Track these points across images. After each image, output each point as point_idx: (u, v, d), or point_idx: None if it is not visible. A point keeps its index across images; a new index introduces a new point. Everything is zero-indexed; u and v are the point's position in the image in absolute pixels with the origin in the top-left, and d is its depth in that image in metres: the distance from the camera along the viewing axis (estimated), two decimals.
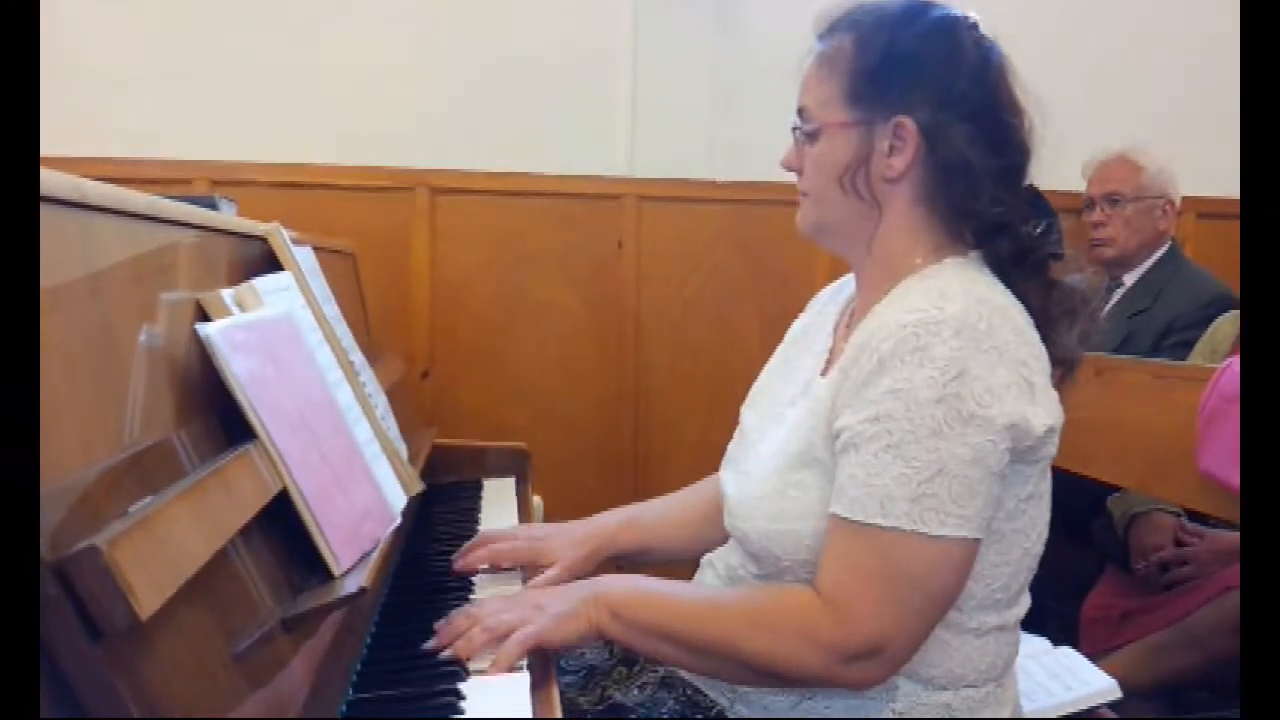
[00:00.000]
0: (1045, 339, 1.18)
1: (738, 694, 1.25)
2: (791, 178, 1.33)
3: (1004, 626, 1.22)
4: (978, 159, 1.18)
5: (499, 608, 1.20)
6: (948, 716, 1.19)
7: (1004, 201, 1.20)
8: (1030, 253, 1.21)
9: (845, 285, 1.40)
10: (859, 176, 1.21)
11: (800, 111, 1.27)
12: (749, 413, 1.41)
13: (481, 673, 1.12)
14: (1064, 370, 1.21)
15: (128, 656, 0.68)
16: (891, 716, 1.18)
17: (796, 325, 1.45)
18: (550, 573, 1.43)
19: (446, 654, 1.14)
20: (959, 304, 1.10)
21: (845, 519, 1.10)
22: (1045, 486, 1.22)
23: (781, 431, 1.27)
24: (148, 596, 0.67)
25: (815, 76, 1.26)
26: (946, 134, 1.18)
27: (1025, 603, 1.26)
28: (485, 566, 1.47)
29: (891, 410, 1.08)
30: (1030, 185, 1.24)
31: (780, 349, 1.45)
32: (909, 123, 1.19)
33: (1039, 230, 1.22)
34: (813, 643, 1.10)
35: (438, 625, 1.20)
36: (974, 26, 1.24)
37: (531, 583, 1.41)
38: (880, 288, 1.21)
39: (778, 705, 1.21)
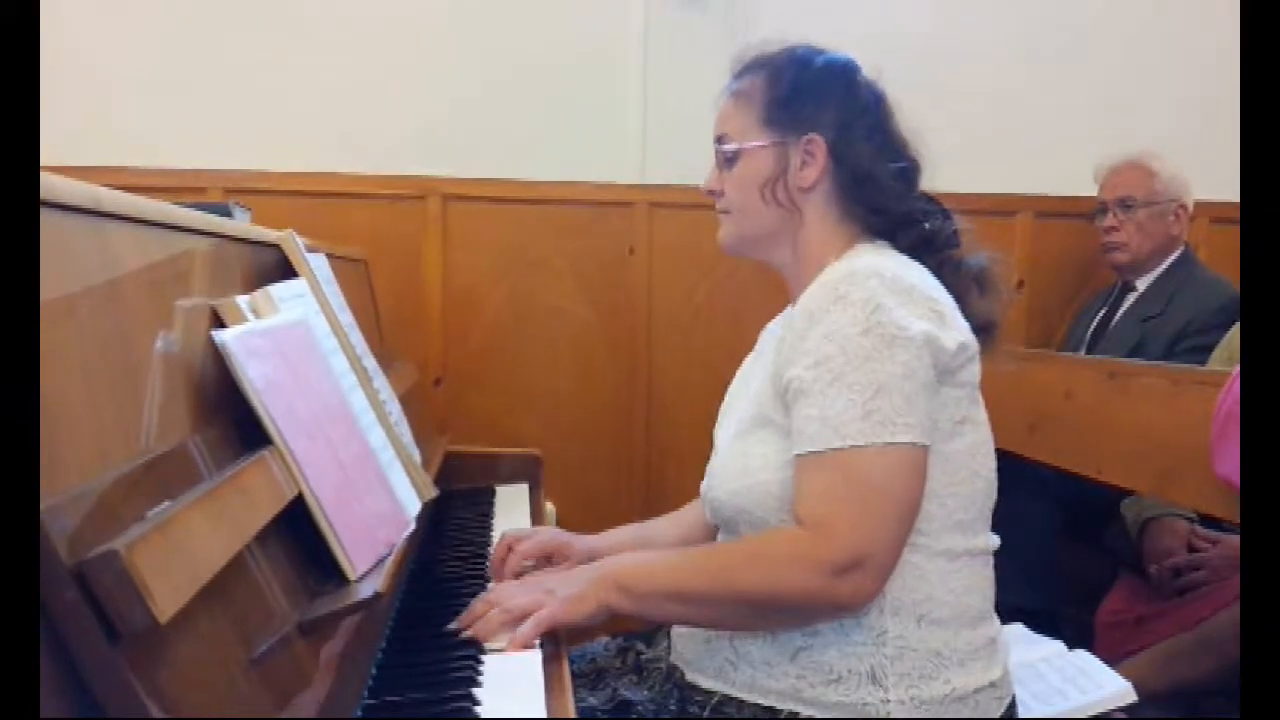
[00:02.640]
0: (961, 309, 1.32)
1: (739, 655, 1.29)
2: None
3: (973, 552, 1.31)
4: (878, 167, 1.37)
5: (513, 591, 1.30)
6: (937, 665, 1.25)
7: (906, 200, 1.39)
8: (934, 238, 1.38)
9: (788, 313, 1.50)
10: (778, 188, 1.39)
11: (719, 139, 1.44)
12: (718, 431, 1.50)
13: (499, 651, 1.20)
14: (985, 336, 1.35)
15: (146, 659, 0.69)
16: (885, 663, 1.23)
17: (750, 355, 1.58)
18: (561, 568, 1.50)
19: (466, 634, 1.23)
20: (868, 260, 1.29)
21: (808, 453, 1.21)
22: (979, 416, 1.34)
23: (738, 419, 1.39)
24: (166, 600, 0.68)
25: (733, 109, 1.43)
26: (850, 147, 1.37)
27: (992, 538, 1.35)
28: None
29: (828, 352, 1.22)
30: (923, 191, 1.43)
31: (737, 374, 1.57)
32: (818, 139, 1.37)
33: (939, 223, 1.39)
34: (802, 563, 1.18)
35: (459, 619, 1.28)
36: (859, 69, 1.44)
37: (542, 572, 1.48)
38: (808, 281, 1.33)
39: (778, 659, 1.26)
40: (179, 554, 0.74)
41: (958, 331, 1.26)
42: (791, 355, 1.25)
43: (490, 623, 1.23)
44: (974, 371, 1.31)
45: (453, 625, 1.26)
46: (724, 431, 1.46)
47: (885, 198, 1.37)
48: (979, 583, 1.31)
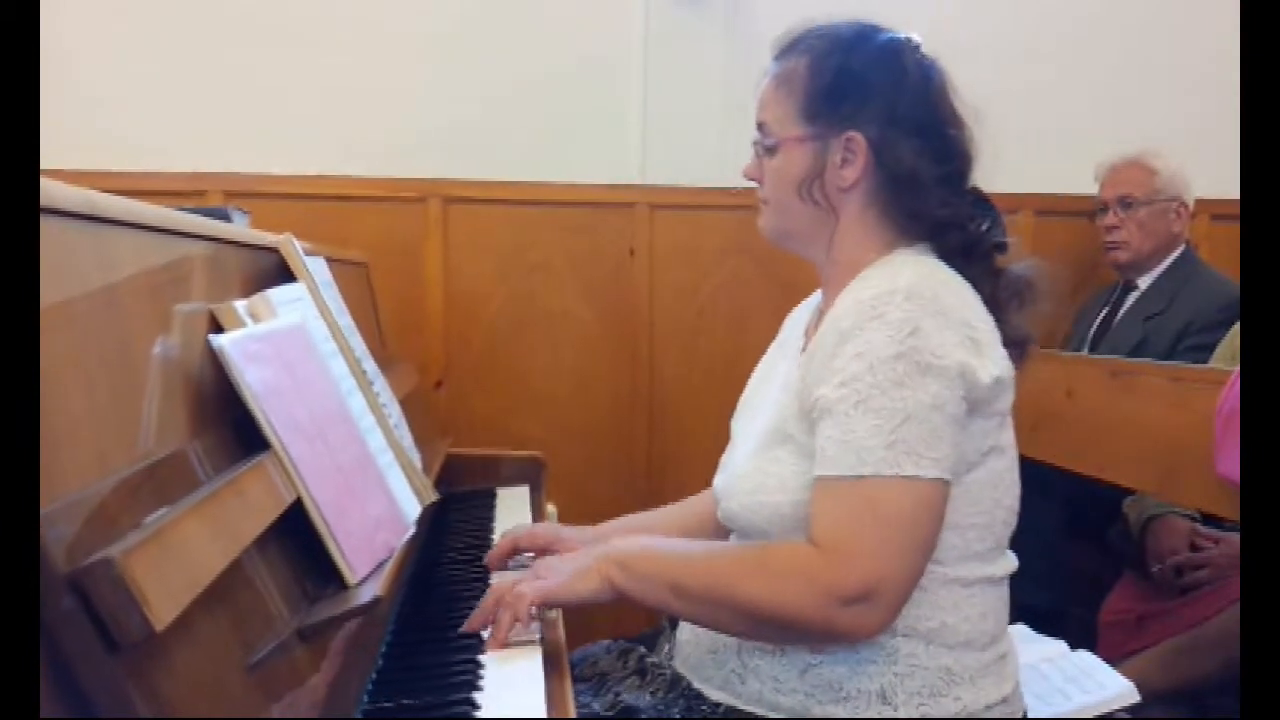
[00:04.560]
0: (997, 321, 1.27)
1: (747, 668, 1.27)
2: None
3: (990, 579, 1.27)
4: (923, 168, 1.29)
5: (514, 578, 1.28)
6: (948, 682, 1.23)
7: (950, 203, 1.31)
8: (977, 245, 1.32)
9: (814, 298, 1.48)
10: (815, 186, 1.32)
11: (760, 126, 1.37)
12: (736, 423, 1.48)
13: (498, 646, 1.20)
14: (1018, 351, 1.30)
15: (144, 667, 0.68)
16: (894, 679, 1.22)
17: (773, 344, 1.53)
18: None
19: (465, 628, 1.24)
20: (907, 277, 1.21)
21: (828, 477, 1.17)
22: (1006, 441, 1.29)
23: (758, 421, 1.36)
24: (163, 607, 0.68)
25: (773, 95, 1.35)
26: (893, 147, 1.28)
27: (1011, 561, 1.32)
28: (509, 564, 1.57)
29: (857, 371, 1.17)
30: (974, 187, 1.35)
31: (760, 364, 1.53)
32: (859, 137, 1.29)
33: (985, 226, 1.32)
34: (811, 585, 1.14)
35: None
36: (916, 49, 1.35)
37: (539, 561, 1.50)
38: (842, 283, 1.29)
39: (786, 675, 1.24)
40: (176, 561, 0.73)
41: (993, 363, 1.21)
42: (820, 373, 1.21)
43: (484, 608, 1.23)
44: (1008, 400, 1.26)
45: (462, 629, 1.25)
46: (743, 428, 1.43)
47: (926, 202, 1.29)
48: (994, 607, 1.28)
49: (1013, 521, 1.30)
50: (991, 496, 1.26)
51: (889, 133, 1.28)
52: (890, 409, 1.14)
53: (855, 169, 1.29)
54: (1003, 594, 1.31)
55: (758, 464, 1.30)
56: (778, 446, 1.28)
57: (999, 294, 1.31)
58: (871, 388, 1.15)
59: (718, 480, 1.44)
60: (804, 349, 1.37)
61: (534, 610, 1.23)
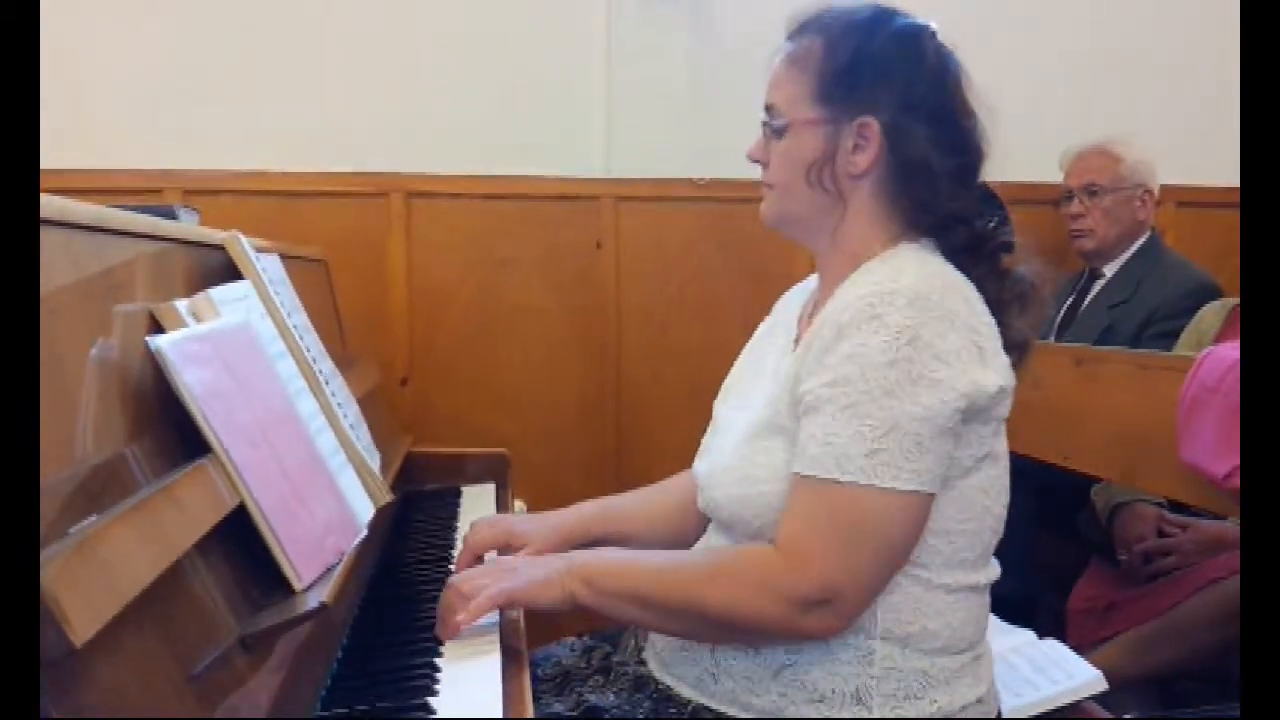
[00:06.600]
0: (999, 323, 1.23)
1: (720, 667, 1.25)
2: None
3: (975, 587, 1.25)
4: (936, 158, 1.25)
5: (473, 574, 1.26)
6: (924, 685, 1.21)
7: (960, 197, 1.27)
8: (984, 243, 1.28)
9: (809, 283, 1.44)
10: (825, 172, 1.27)
11: (769, 108, 1.32)
12: (721, 406, 1.45)
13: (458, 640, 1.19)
14: (1018, 354, 1.27)
15: (64, 683, 0.66)
16: (870, 682, 1.20)
17: (763, 325, 1.50)
18: (521, 554, 1.47)
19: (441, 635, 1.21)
20: (911, 277, 1.18)
21: (805, 476, 1.16)
22: (1001, 448, 1.27)
23: (749, 412, 1.32)
24: (83, 621, 0.65)
25: (785, 75, 1.30)
26: (907, 134, 1.24)
27: (995, 568, 1.30)
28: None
29: (849, 374, 1.14)
30: (984, 183, 1.31)
31: (748, 346, 1.49)
32: (873, 123, 1.25)
33: (992, 224, 1.29)
34: (770, 591, 1.14)
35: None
36: (934, 35, 1.30)
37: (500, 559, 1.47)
38: (842, 274, 1.26)
39: (760, 674, 1.23)
40: (100, 572, 0.71)
41: (996, 372, 1.18)
42: (814, 367, 1.18)
43: (452, 610, 1.20)
44: (1007, 406, 1.23)
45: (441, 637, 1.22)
46: (729, 414, 1.39)
47: (936, 194, 1.25)
48: (975, 614, 1.26)
49: (1000, 530, 1.28)
50: (982, 504, 1.23)
51: (903, 119, 1.24)
52: (877, 418, 1.12)
53: (868, 155, 1.25)
54: (984, 601, 1.29)
55: (747, 454, 1.26)
56: (769, 438, 1.24)
57: (1003, 296, 1.27)
58: (861, 393, 1.13)
59: (700, 465, 1.40)
60: (797, 339, 1.34)
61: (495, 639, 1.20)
